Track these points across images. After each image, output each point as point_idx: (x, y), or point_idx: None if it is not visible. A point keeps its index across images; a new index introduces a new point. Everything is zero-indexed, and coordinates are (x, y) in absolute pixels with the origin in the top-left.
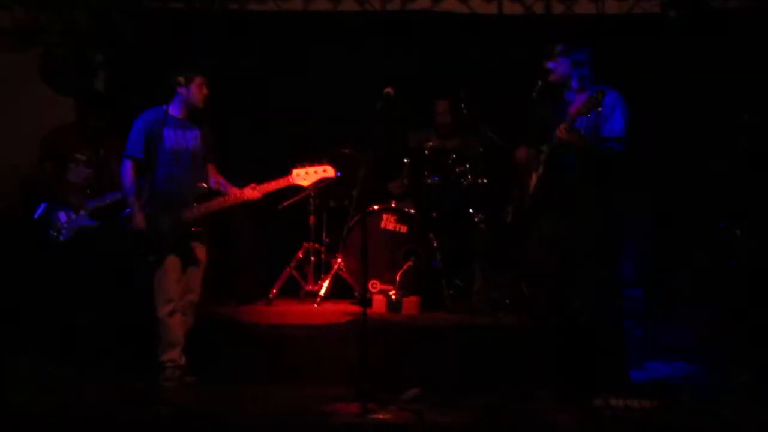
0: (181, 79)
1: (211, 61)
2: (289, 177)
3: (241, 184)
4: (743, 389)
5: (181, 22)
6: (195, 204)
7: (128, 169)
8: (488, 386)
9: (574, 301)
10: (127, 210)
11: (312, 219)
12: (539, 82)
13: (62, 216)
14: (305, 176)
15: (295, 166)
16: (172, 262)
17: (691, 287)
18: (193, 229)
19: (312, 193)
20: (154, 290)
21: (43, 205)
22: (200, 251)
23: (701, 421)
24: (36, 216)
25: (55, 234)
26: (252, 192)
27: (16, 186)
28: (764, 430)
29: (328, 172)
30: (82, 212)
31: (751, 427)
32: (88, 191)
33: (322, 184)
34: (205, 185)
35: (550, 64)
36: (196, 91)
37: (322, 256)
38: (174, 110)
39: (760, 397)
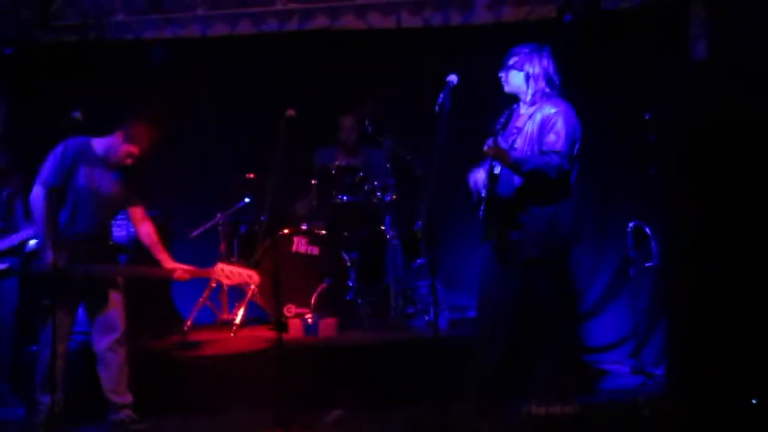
0: (126, 135)
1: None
2: (212, 270)
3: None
4: (665, 386)
5: (77, 54)
6: (112, 259)
7: (41, 198)
8: (410, 401)
9: (526, 311)
10: (30, 242)
11: (223, 246)
12: (441, 95)
13: None
14: (228, 274)
15: (222, 260)
16: (64, 310)
17: (607, 288)
18: (100, 283)
19: (220, 222)
20: (39, 331)
21: None
22: (114, 290)
23: (622, 422)
24: None
25: None
26: (183, 274)
27: None
28: (683, 428)
29: (252, 279)
30: None
31: (670, 427)
32: None
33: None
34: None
35: (453, 77)
36: (122, 153)
37: None
38: (99, 148)
39: (680, 395)
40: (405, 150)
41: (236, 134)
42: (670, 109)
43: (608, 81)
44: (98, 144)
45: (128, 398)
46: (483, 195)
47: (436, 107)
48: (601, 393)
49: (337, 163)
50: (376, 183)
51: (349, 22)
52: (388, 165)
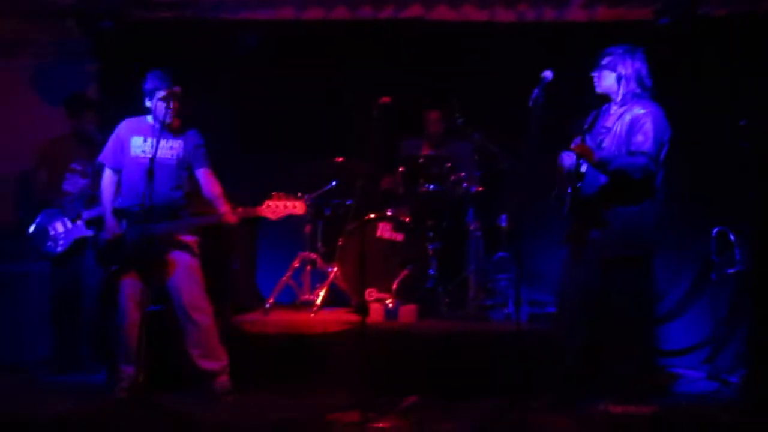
0: (146, 96)
1: (188, 70)
2: (258, 208)
3: (237, 196)
4: (741, 394)
5: (172, 31)
6: (171, 219)
7: (104, 178)
8: (485, 393)
9: (605, 310)
10: (93, 213)
11: (308, 228)
12: (535, 91)
13: (59, 226)
14: (274, 209)
15: (271, 197)
16: (132, 276)
17: (687, 293)
18: (163, 246)
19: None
20: (116, 300)
21: (40, 216)
22: (180, 258)
23: (699, 426)
24: (32, 229)
25: (53, 245)
26: (231, 216)
27: (9, 196)
28: None
29: (297, 208)
30: (78, 222)
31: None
32: (84, 202)
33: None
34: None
35: (548, 73)
36: (160, 105)
37: (318, 264)
38: (149, 119)
39: (757, 403)
40: (492, 143)
41: (325, 118)
42: (762, 118)
43: (699, 86)
44: (149, 117)
45: (218, 364)
46: (568, 192)
47: (530, 102)
48: (676, 396)
49: (424, 152)
50: (462, 174)
51: (443, 13)
52: (475, 157)
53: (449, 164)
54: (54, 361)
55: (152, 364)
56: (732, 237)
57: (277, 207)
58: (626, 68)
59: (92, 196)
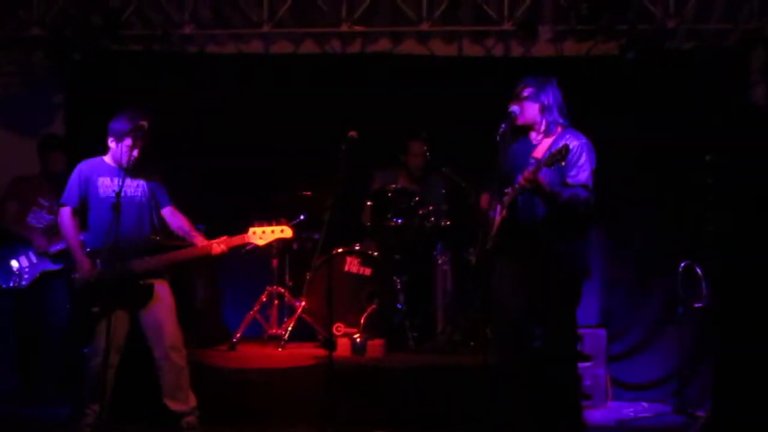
0: (112, 136)
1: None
2: (245, 235)
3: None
4: (708, 428)
5: (141, 63)
6: (148, 255)
7: (66, 217)
8: (453, 427)
9: (533, 343)
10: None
11: (275, 262)
12: (503, 125)
13: (23, 261)
14: (262, 235)
15: (253, 224)
16: (116, 317)
17: (654, 326)
18: (143, 280)
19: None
20: (89, 340)
21: (2, 252)
22: (161, 294)
23: None
24: None
25: (17, 279)
26: (219, 246)
27: None
28: None
29: (285, 232)
30: (43, 255)
31: None
32: (48, 236)
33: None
34: (156, 237)
35: (515, 108)
36: (124, 151)
37: (286, 299)
38: (109, 160)
39: None
40: (461, 177)
41: (294, 151)
42: (728, 152)
43: (665, 120)
44: (107, 158)
45: (186, 406)
46: (498, 225)
47: (497, 137)
48: (645, 431)
49: (393, 186)
50: (430, 208)
51: (411, 47)
52: (443, 191)
53: (417, 198)
54: (18, 395)
55: (118, 398)
56: (699, 271)
57: (264, 233)
58: (548, 98)
59: (57, 233)
